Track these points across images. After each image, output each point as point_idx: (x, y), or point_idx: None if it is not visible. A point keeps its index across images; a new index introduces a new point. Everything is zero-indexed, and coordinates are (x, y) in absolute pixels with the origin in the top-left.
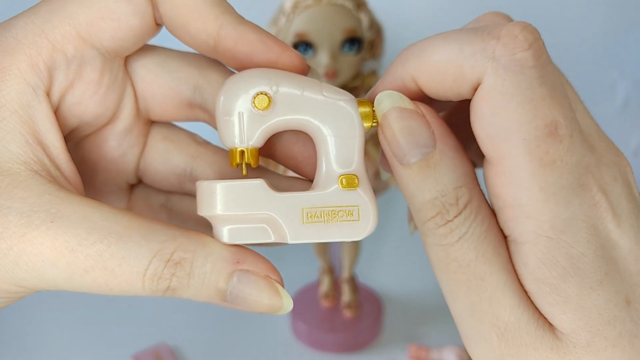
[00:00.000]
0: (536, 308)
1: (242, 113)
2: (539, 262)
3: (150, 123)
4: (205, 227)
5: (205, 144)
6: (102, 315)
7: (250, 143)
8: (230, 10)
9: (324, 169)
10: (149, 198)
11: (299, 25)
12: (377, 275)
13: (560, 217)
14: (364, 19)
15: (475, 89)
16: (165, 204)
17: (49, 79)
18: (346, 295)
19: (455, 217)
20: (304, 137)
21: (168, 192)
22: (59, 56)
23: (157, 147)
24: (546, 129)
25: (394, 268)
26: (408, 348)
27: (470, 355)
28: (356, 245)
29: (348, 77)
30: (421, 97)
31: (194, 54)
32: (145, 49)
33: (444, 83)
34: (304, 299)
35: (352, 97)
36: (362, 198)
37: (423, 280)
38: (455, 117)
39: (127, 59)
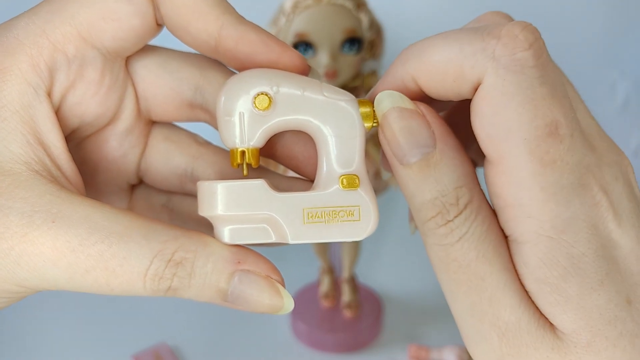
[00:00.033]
0: (537, 308)
1: (243, 113)
2: (539, 262)
3: (151, 123)
4: (206, 227)
5: (206, 144)
6: (102, 315)
7: (251, 143)
8: (231, 11)
9: (324, 169)
10: (150, 198)
11: (299, 25)
12: (377, 275)
13: (561, 217)
14: (364, 19)
15: (476, 89)
16: (166, 204)
17: (50, 79)
18: (346, 295)
19: (456, 217)
20: (304, 137)
21: (169, 193)
22: (60, 56)
23: (158, 147)
24: (547, 129)
25: (394, 268)
26: (408, 348)
27: (471, 354)
28: (356, 245)
29: (348, 77)
30: (421, 97)
31: (195, 54)
32: (146, 49)
33: (444, 83)
34: (304, 299)
35: (353, 97)
36: (363, 198)
37: (423, 280)
38: (455, 116)
39: (128, 60)
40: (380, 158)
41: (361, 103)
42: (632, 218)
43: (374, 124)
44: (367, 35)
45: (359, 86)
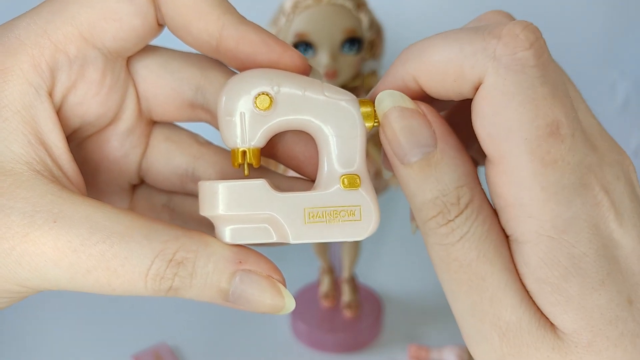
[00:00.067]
0: (537, 308)
1: (244, 113)
2: (540, 261)
3: (152, 123)
4: (207, 227)
5: (207, 144)
6: (102, 315)
7: (252, 143)
8: (232, 11)
9: (325, 169)
10: (151, 198)
11: (299, 25)
12: (377, 275)
13: (562, 217)
14: (364, 19)
15: (477, 89)
16: (167, 204)
17: (52, 79)
18: (346, 295)
19: (457, 216)
20: (305, 137)
21: (170, 192)
22: (61, 56)
23: (159, 147)
24: (547, 129)
25: (394, 268)
26: (408, 348)
27: (472, 354)
28: (356, 245)
29: (348, 77)
30: (423, 97)
31: (196, 54)
32: (147, 49)
33: (445, 83)
34: (304, 299)
35: (354, 97)
36: (364, 198)
37: (423, 280)
38: (456, 116)
39: (129, 60)
40: (382, 157)
41: (362, 103)
42: (633, 218)
43: (375, 124)
44: (367, 35)
45: (359, 86)
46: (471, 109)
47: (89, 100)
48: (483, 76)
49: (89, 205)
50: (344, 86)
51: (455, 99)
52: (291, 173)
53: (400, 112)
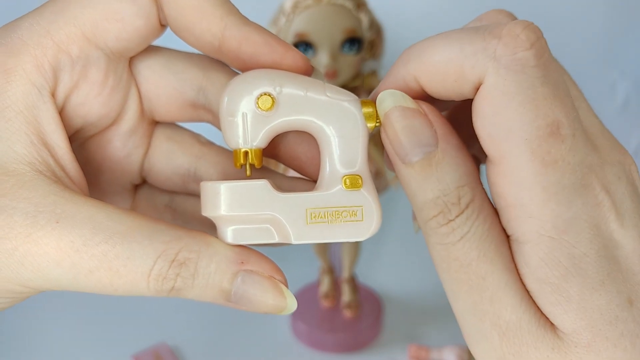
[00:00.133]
0: (538, 308)
1: (246, 114)
2: (540, 261)
3: (155, 124)
4: (209, 227)
5: (209, 144)
6: (102, 315)
7: (254, 144)
8: (234, 11)
9: (327, 169)
10: (153, 198)
11: (299, 25)
12: (377, 275)
13: (563, 217)
14: (364, 19)
15: (477, 89)
16: (169, 204)
17: (54, 79)
18: (346, 295)
19: (457, 216)
20: (307, 137)
21: (172, 193)
22: (64, 57)
23: (161, 147)
24: (548, 129)
25: (394, 268)
26: (408, 348)
27: (472, 354)
28: (356, 245)
29: (348, 77)
30: (424, 97)
31: (198, 54)
32: (150, 49)
33: (445, 83)
34: (304, 299)
35: (356, 97)
36: (366, 198)
37: (423, 280)
38: (458, 115)
39: (131, 60)
40: (384, 157)
41: (364, 103)
42: (634, 218)
43: (377, 124)
44: (367, 35)
45: (359, 86)
46: (472, 109)
47: (91, 101)
48: (483, 76)
49: (91, 206)
50: (344, 86)
51: (456, 99)
52: (292, 173)
53: (401, 112)
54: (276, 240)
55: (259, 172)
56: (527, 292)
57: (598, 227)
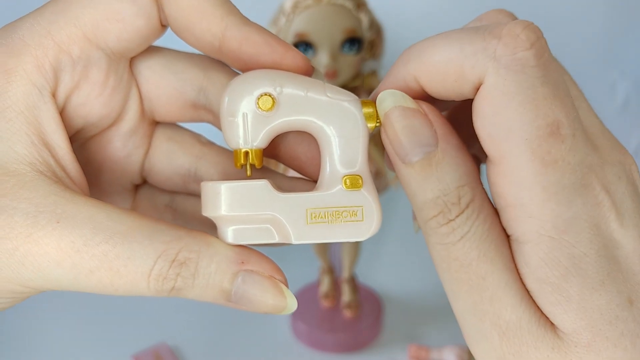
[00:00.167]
0: (538, 307)
1: (246, 114)
2: (540, 261)
3: (155, 124)
4: (209, 227)
5: (210, 144)
6: (102, 315)
7: (255, 144)
8: (235, 12)
9: (327, 169)
10: (153, 198)
11: (299, 25)
12: (377, 275)
13: (563, 217)
14: (364, 19)
15: (477, 89)
16: (169, 204)
17: (55, 79)
18: (346, 295)
19: (457, 216)
20: (308, 137)
21: (172, 193)
22: (65, 57)
23: (162, 147)
24: (548, 129)
25: (394, 268)
26: (408, 348)
27: (472, 353)
28: (356, 245)
29: (348, 77)
30: (424, 97)
31: (199, 55)
32: (151, 50)
33: (446, 83)
34: (304, 299)
35: (356, 97)
36: (366, 198)
37: (423, 280)
38: (458, 115)
39: (132, 60)
40: (384, 157)
41: (364, 103)
42: (634, 217)
43: (377, 124)
44: (367, 35)
45: (359, 86)
46: (472, 109)
47: (92, 101)
48: (483, 76)
49: (92, 206)
50: (344, 86)
51: (456, 99)
52: (292, 173)
53: (401, 112)
54: (276, 240)
55: (259, 172)
56: (527, 292)
57: (598, 227)
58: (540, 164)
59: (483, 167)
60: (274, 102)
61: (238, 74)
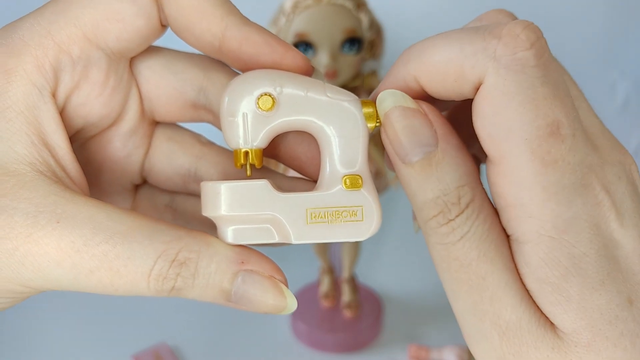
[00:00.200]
0: (538, 307)
1: (246, 114)
2: (540, 261)
3: (155, 124)
4: (209, 227)
5: (210, 144)
6: (102, 315)
7: (255, 144)
8: (235, 12)
9: (327, 169)
10: (153, 198)
11: (299, 25)
12: (377, 275)
13: (563, 217)
14: (364, 19)
15: (477, 89)
16: (169, 204)
17: (55, 79)
18: (346, 295)
19: (457, 216)
20: (308, 137)
21: (172, 193)
22: (65, 57)
23: (162, 147)
24: (548, 129)
25: (394, 268)
26: (408, 348)
27: (472, 353)
28: (356, 245)
29: (348, 77)
30: (424, 97)
31: (199, 55)
32: (151, 50)
33: (446, 83)
34: (304, 299)
35: (356, 97)
36: (366, 198)
37: (423, 280)
38: (458, 115)
39: (132, 60)
40: (384, 157)
41: (364, 103)
42: (634, 217)
43: (377, 124)
44: (367, 35)
45: (359, 86)
46: (472, 109)
47: (92, 101)
48: (483, 76)
49: (92, 206)
50: (344, 86)
51: (456, 99)
52: (292, 173)
53: (401, 112)
54: (276, 240)
55: (259, 172)
56: (527, 292)
57: (598, 227)
58: (540, 164)
59: (483, 167)
60: (274, 102)
61: (238, 74)
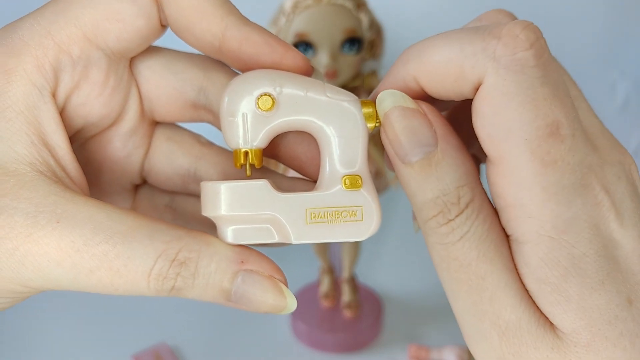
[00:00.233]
0: (537, 307)
1: (246, 114)
2: (540, 262)
3: (155, 124)
4: (209, 227)
5: (209, 144)
6: (102, 315)
7: (254, 144)
8: (235, 12)
9: (327, 169)
10: (153, 198)
11: (299, 25)
12: (377, 275)
13: (562, 217)
14: (364, 19)
15: (477, 89)
16: (169, 205)
17: (55, 80)
18: (346, 295)
19: (457, 216)
20: (307, 137)
21: (172, 193)
22: (65, 57)
23: (162, 147)
24: (547, 129)
25: (394, 268)
26: (408, 348)
27: (472, 353)
28: (356, 245)
29: (348, 77)
30: (424, 97)
31: (199, 55)
32: (150, 50)
33: (445, 83)
34: (304, 299)
35: (356, 97)
36: (366, 198)
37: (423, 280)
38: (458, 115)
39: (132, 60)
40: (384, 157)
41: (364, 104)
42: (634, 217)
43: (377, 124)
44: (367, 35)
45: (359, 86)
46: (471, 109)
47: (92, 101)
48: (483, 76)
49: (92, 206)
50: (344, 86)
51: (456, 99)
52: (291, 173)
53: (401, 112)
54: (276, 240)
55: (259, 172)
56: (527, 292)
57: (598, 227)
58: (540, 164)
59: (483, 167)
60: (273, 102)
61: (238, 74)
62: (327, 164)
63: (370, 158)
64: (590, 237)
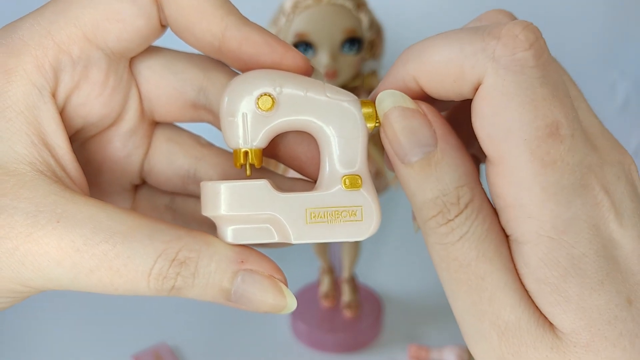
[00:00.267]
0: (537, 308)
1: (246, 114)
2: (540, 262)
3: (155, 124)
4: (209, 227)
5: (209, 145)
6: (102, 315)
7: (254, 144)
8: (234, 12)
9: (327, 169)
10: (153, 199)
11: (299, 25)
12: (377, 275)
13: (562, 218)
14: (364, 19)
15: (476, 89)
16: (169, 205)
17: (55, 79)
18: (346, 295)
19: (457, 216)
20: (307, 137)
21: (172, 193)
22: (65, 57)
23: (161, 148)
24: (547, 129)
25: (394, 268)
26: (408, 348)
27: (472, 353)
28: (356, 245)
29: (348, 77)
30: (423, 97)
31: (199, 55)
32: (150, 50)
33: (445, 83)
34: (304, 299)
35: (355, 97)
36: (366, 198)
37: (423, 280)
38: (457, 115)
39: (132, 60)
40: (384, 157)
41: (363, 104)
42: (634, 218)
43: (377, 124)
44: (367, 35)
45: (359, 86)
46: (471, 109)
47: (92, 101)
48: (483, 77)
49: (92, 205)
50: (344, 86)
51: (456, 99)
52: (291, 173)
53: (400, 112)
54: (276, 239)
55: (259, 172)
56: (526, 292)
57: (597, 227)
58: (540, 164)
59: (483, 167)
60: (273, 102)
61: (238, 74)
62: (327, 164)
63: (370, 158)
64: (589, 238)
